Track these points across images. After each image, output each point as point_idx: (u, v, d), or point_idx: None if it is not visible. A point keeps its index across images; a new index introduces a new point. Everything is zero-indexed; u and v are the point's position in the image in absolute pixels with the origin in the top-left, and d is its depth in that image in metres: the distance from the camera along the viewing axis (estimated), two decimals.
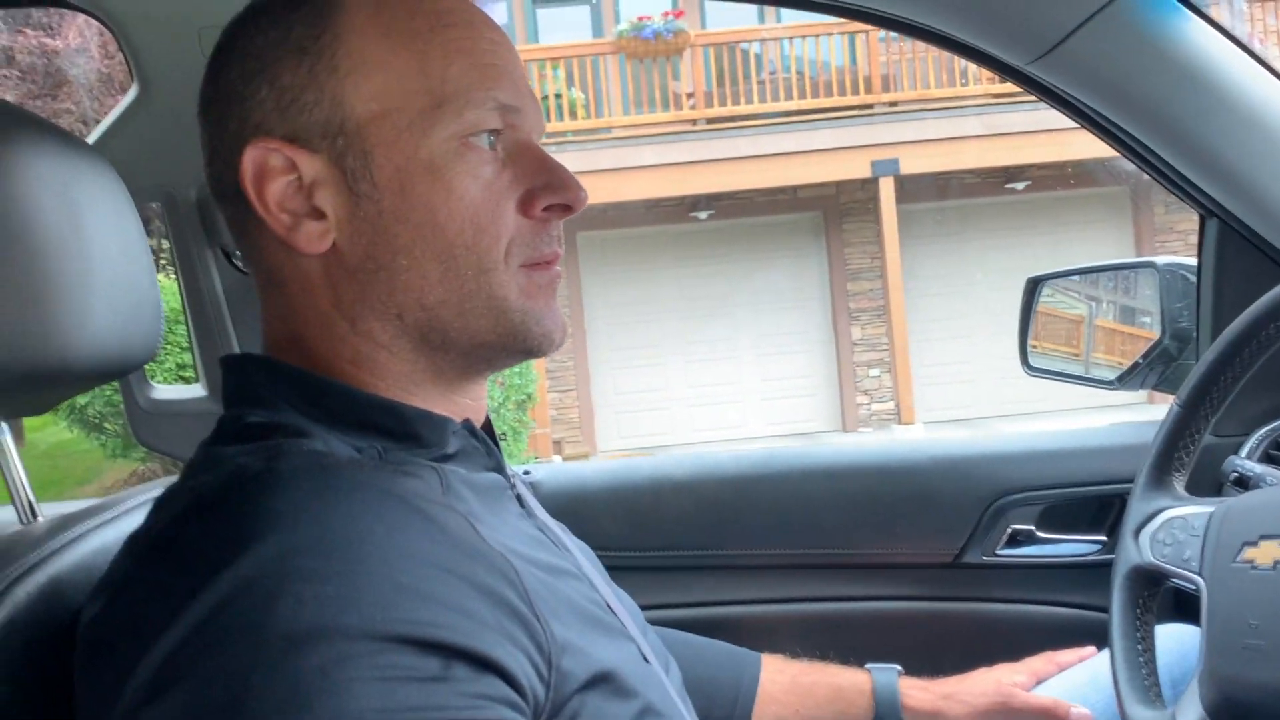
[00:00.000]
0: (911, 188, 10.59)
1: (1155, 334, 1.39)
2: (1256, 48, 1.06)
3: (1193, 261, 1.32)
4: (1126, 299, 1.48)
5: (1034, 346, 1.55)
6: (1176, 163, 1.14)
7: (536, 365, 9.60)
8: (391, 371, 0.70)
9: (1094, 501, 1.29)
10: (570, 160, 10.12)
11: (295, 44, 0.69)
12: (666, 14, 10.57)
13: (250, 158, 0.68)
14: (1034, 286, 1.54)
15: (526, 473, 1.32)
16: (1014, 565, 1.29)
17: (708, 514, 1.31)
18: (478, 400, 0.77)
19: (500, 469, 0.75)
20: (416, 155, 0.68)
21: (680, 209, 11.05)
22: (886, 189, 10.21)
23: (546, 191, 0.72)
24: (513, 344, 0.72)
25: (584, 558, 0.84)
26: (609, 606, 0.77)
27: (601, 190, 10.22)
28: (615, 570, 1.30)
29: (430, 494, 0.62)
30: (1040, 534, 1.30)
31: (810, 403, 11.57)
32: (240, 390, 0.70)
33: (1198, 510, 0.92)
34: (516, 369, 8.99)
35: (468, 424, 0.73)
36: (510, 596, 0.58)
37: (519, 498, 0.76)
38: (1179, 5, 1.03)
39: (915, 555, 1.30)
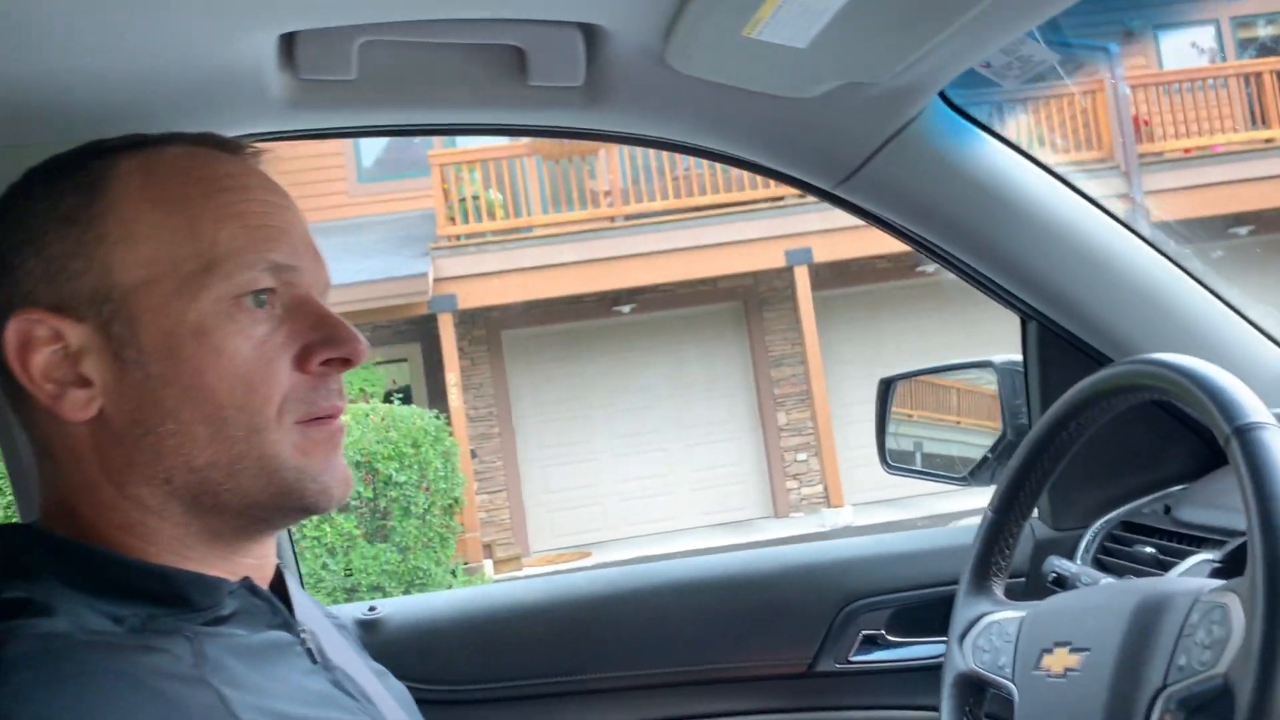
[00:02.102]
0: (825, 274, 10.85)
1: (1000, 428, 1.43)
2: (1050, 163, 1.12)
3: None
4: (971, 397, 1.53)
5: (890, 446, 1.58)
6: (989, 273, 1.19)
7: (462, 467, 9.49)
8: (163, 535, 0.70)
9: (944, 602, 1.31)
10: (491, 260, 10.23)
11: (65, 213, 0.69)
12: None
13: (14, 329, 0.68)
14: (886, 388, 1.58)
15: (371, 609, 1.29)
16: (867, 671, 1.30)
17: (563, 638, 1.29)
18: (262, 559, 0.76)
19: (287, 626, 0.74)
20: (185, 319, 0.68)
21: (603, 304, 11.16)
22: (801, 277, 10.45)
23: (323, 346, 0.73)
24: (288, 502, 0.71)
25: (393, 705, 0.83)
26: None
27: (523, 289, 10.30)
28: (471, 704, 1.28)
29: (175, 669, 0.61)
30: (890, 638, 1.30)
31: (741, 490, 11.59)
32: (4, 562, 0.69)
33: (1012, 615, 0.94)
34: (442, 472, 8.87)
35: (247, 583, 0.72)
36: None
37: (310, 652, 0.75)
38: (970, 127, 1.09)
39: (769, 666, 1.30)
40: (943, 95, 1.07)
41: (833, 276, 11.05)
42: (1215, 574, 1.02)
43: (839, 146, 1.07)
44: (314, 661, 0.74)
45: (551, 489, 11.41)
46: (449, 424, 9.51)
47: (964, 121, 1.08)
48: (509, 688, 1.28)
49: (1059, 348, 1.25)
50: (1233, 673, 0.65)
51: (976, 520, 1.48)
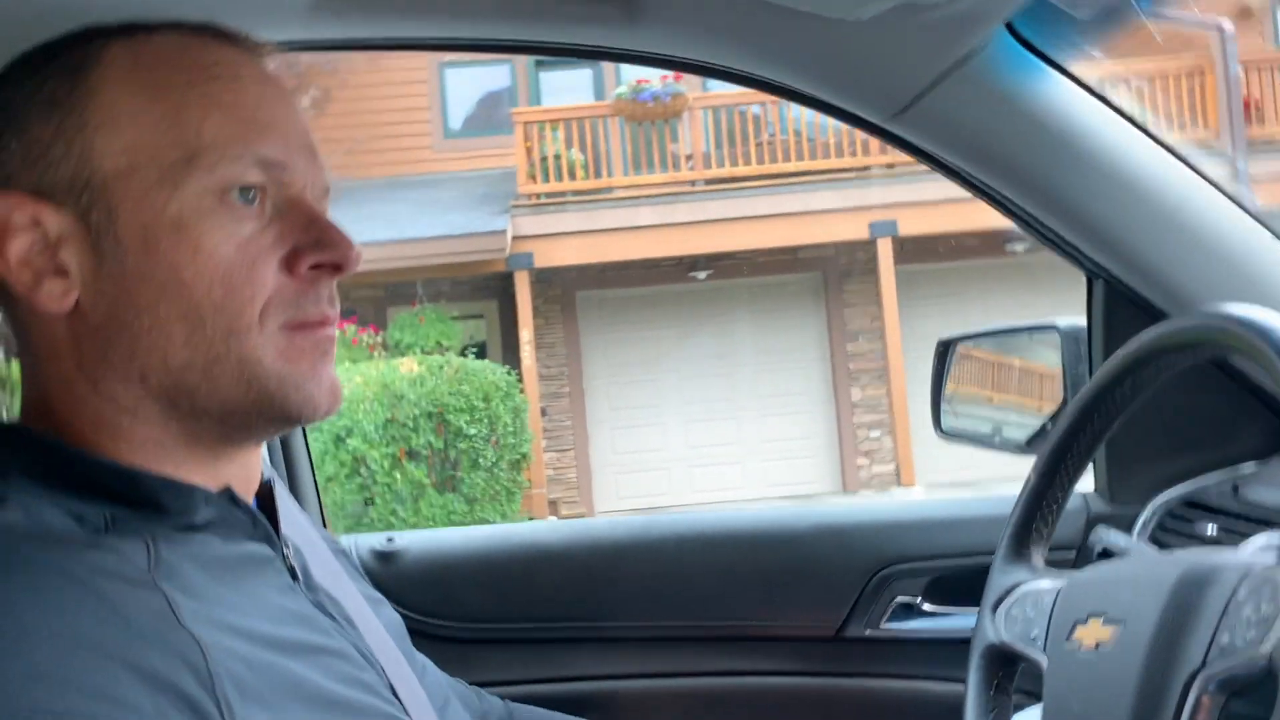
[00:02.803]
0: (910, 249, 10.60)
1: (1060, 396, 1.35)
2: (1126, 107, 1.03)
3: None
4: (1034, 361, 1.44)
5: (947, 409, 1.51)
6: (1053, 224, 1.11)
7: (532, 424, 9.56)
8: (138, 436, 0.67)
9: (982, 573, 1.24)
10: (570, 220, 10.22)
11: (48, 97, 0.67)
12: (665, 78, 10.70)
13: None
14: (945, 349, 1.50)
15: (389, 540, 1.27)
16: (899, 640, 1.23)
17: (581, 584, 1.26)
18: (247, 468, 0.73)
19: (269, 540, 0.71)
20: (164, 211, 0.65)
21: (679, 269, 11.08)
22: (885, 250, 10.23)
23: (314, 249, 0.69)
24: (269, 410, 0.68)
25: (380, 634, 0.80)
26: (392, 690, 0.72)
27: (601, 250, 10.28)
28: (482, 643, 1.26)
29: (123, 570, 0.59)
30: (926, 607, 1.24)
31: (810, 464, 11.46)
32: None
33: (1049, 585, 0.87)
34: (511, 428, 8.95)
35: (227, 492, 0.70)
36: (183, 682, 0.54)
37: (292, 570, 0.72)
38: (1038, 63, 1.00)
39: (795, 628, 1.25)
40: (1009, 27, 0.99)
41: (917, 251, 10.79)
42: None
43: (893, 77, 0.99)
44: (294, 580, 0.72)
45: (619, 451, 11.43)
46: (521, 381, 9.57)
47: (1032, 56, 1.00)
48: (522, 629, 1.25)
49: (1126, 309, 1.16)
50: (1278, 653, 0.58)
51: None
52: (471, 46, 0.99)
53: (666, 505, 11.16)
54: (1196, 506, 1.17)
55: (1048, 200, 1.08)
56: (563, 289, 11.23)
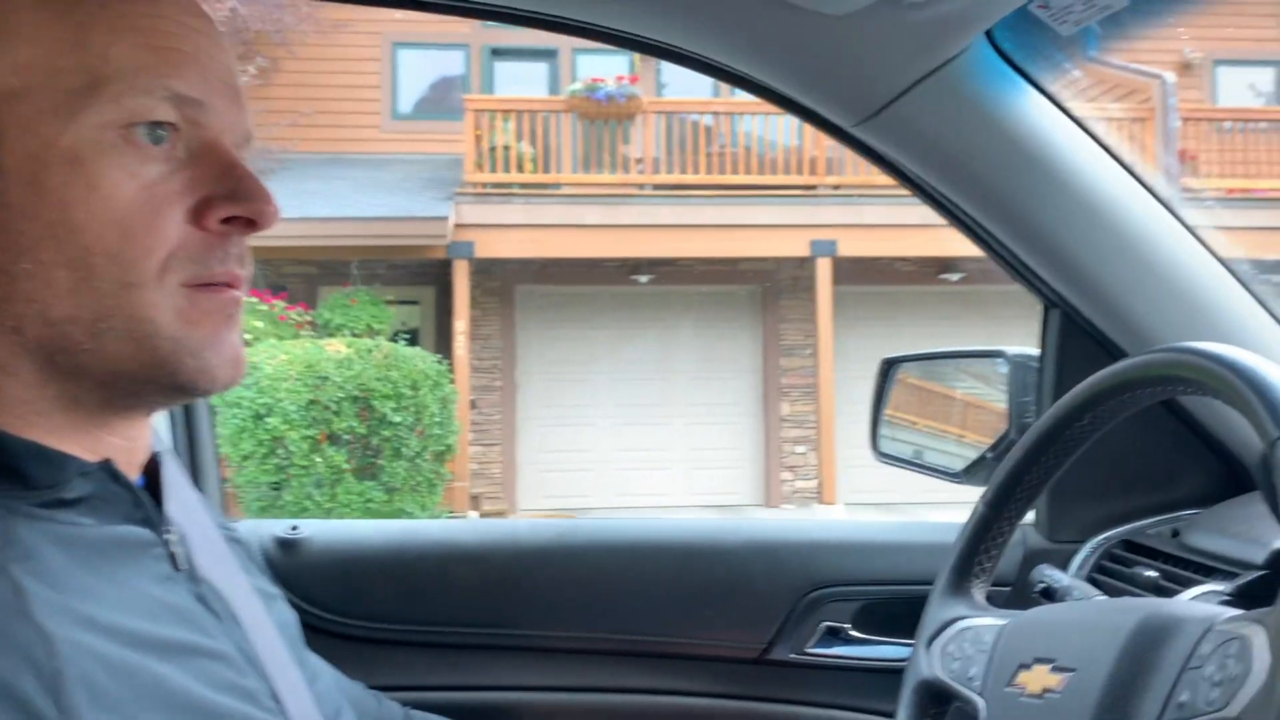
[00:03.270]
0: (848, 270, 10.69)
1: (1004, 425, 1.32)
2: (1100, 130, 1.00)
3: None
4: (978, 388, 1.41)
5: (885, 431, 1.47)
6: (1013, 245, 1.07)
7: (460, 415, 9.41)
8: (7, 396, 0.59)
9: (915, 602, 1.20)
10: (515, 213, 10.10)
11: None
12: (621, 78, 10.65)
13: None
14: (888, 368, 1.46)
15: (294, 528, 1.19)
16: (825, 666, 1.19)
17: (497, 588, 1.19)
18: (133, 440, 0.65)
19: (149, 522, 0.63)
20: (57, 142, 0.58)
21: (622, 271, 11.03)
22: (824, 269, 10.30)
23: (227, 200, 0.62)
24: (161, 376, 0.61)
25: (269, 632, 0.72)
26: (275, 697, 0.65)
27: (544, 245, 10.18)
28: (386, 644, 1.18)
29: None
30: (855, 633, 1.19)
31: (735, 475, 11.49)
32: None
33: (990, 623, 0.83)
34: (438, 418, 8.79)
35: (107, 466, 0.62)
36: (20, 682, 0.47)
37: (173, 556, 0.64)
38: (1015, 76, 0.97)
39: (719, 647, 1.19)
40: (989, 36, 0.95)
41: (855, 272, 10.89)
42: (1225, 606, 0.91)
43: (866, 79, 0.94)
44: (176, 569, 0.64)
45: (547, 449, 11.34)
46: (452, 371, 9.42)
47: (1009, 69, 0.96)
48: (431, 633, 1.17)
49: (1082, 341, 1.13)
50: (1247, 717, 0.54)
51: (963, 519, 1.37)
52: (435, 5, 0.92)
53: (590, 508, 11.09)
54: (1135, 549, 1.14)
55: (1011, 221, 1.05)
56: (502, 281, 11.10)
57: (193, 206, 0.61)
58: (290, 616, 0.80)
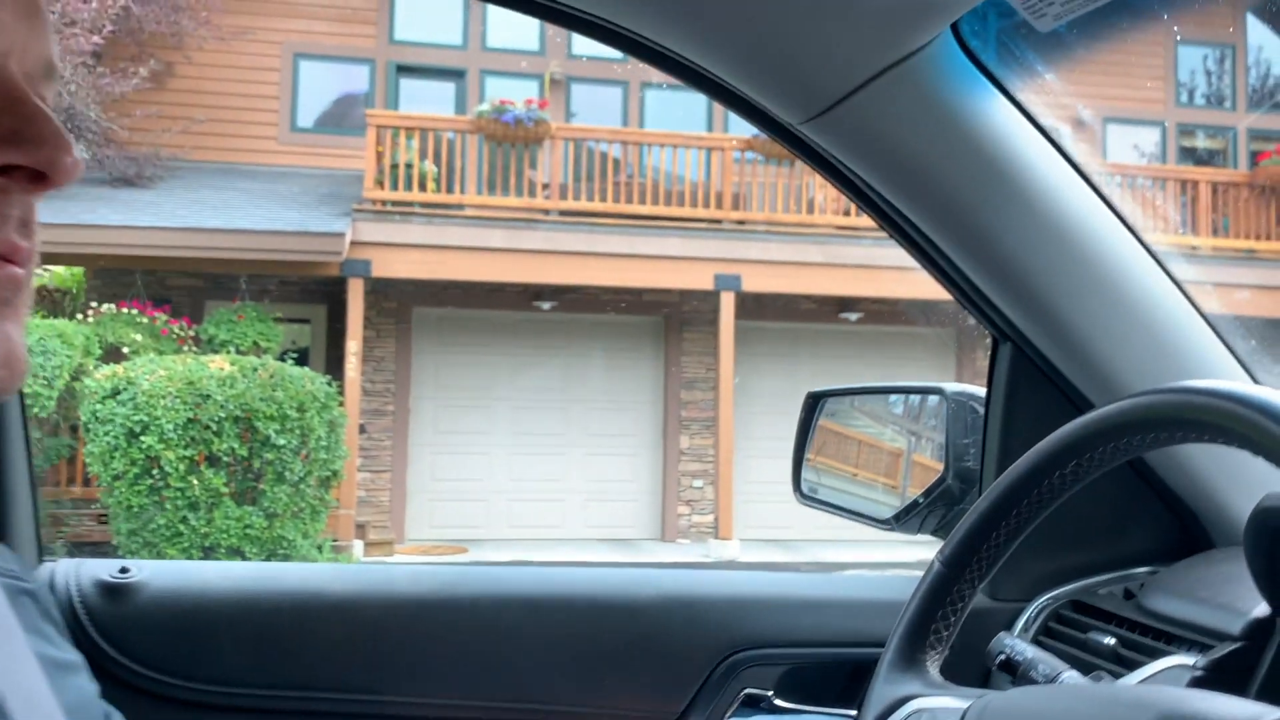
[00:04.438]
0: (751, 305, 10.72)
1: (939, 469, 1.21)
2: (1068, 145, 0.90)
3: (984, 391, 1.14)
4: (912, 426, 1.30)
5: (808, 471, 1.35)
6: (966, 268, 0.96)
7: (348, 440, 9.05)
8: None
9: (847, 666, 1.07)
10: (415, 232, 9.84)
11: None
12: (530, 101, 10.52)
13: None
14: (814, 402, 1.34)
15: (123, 571, 0.99)
16: None
17: (368, 645, 1.01)
18: None
19: None
20: None
21: (523, 297, 10.85)
22: (727, 303, 10.30)
23: (3, 144, 0.45)
24: None
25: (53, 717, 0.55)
26: None
27: (444, 267, 9.93)
28: (229, 711, 1.00)
29: None
30: (779, 701, 1.05)
31: (632, 508, 11.35)
32: None
33: (949, 705, 0.70)
34: (325, 442, 8.43)
35: None
36: None
37: None
38: (981, 77, 0.86)
39: (628, 715, 1.04)
40: (955, 30, 0.83)
41: (757, 308, 10.93)
42: (1197, 683, 0.80)
43: (821, 72, 0.82)
44: None
45: (438, 477, 11.02)
46: (341, 393, 9.08)
47: (974, 68, 0.85)
48: (284, 699, 0.98)
49: (1034, 379, 1.03)
50: None
51: (886, 573, 1.25)
52: None
53: (482, 539, 10.80)
54: (1084, 609, 1.04)
55: (965, 239, 0.93)
56: (399, 302, 10.80)
57: None
58: (88, 693, 0.62)
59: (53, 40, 0.52)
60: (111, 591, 0.97)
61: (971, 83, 0.85)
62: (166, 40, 11.26)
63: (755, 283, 10.32)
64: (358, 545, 9.65)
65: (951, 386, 1.19)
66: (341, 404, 8.97)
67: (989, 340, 1.08)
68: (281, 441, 8.15)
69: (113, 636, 0.93)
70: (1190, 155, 13.34)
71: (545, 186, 10.61)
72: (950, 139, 0.86)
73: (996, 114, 0.87)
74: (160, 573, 1.00)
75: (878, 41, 0.80)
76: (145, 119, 10.95)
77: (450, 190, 10.35)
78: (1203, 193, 11.25)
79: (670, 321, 11.35)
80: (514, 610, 1.04)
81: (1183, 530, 1.05)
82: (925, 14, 0.78)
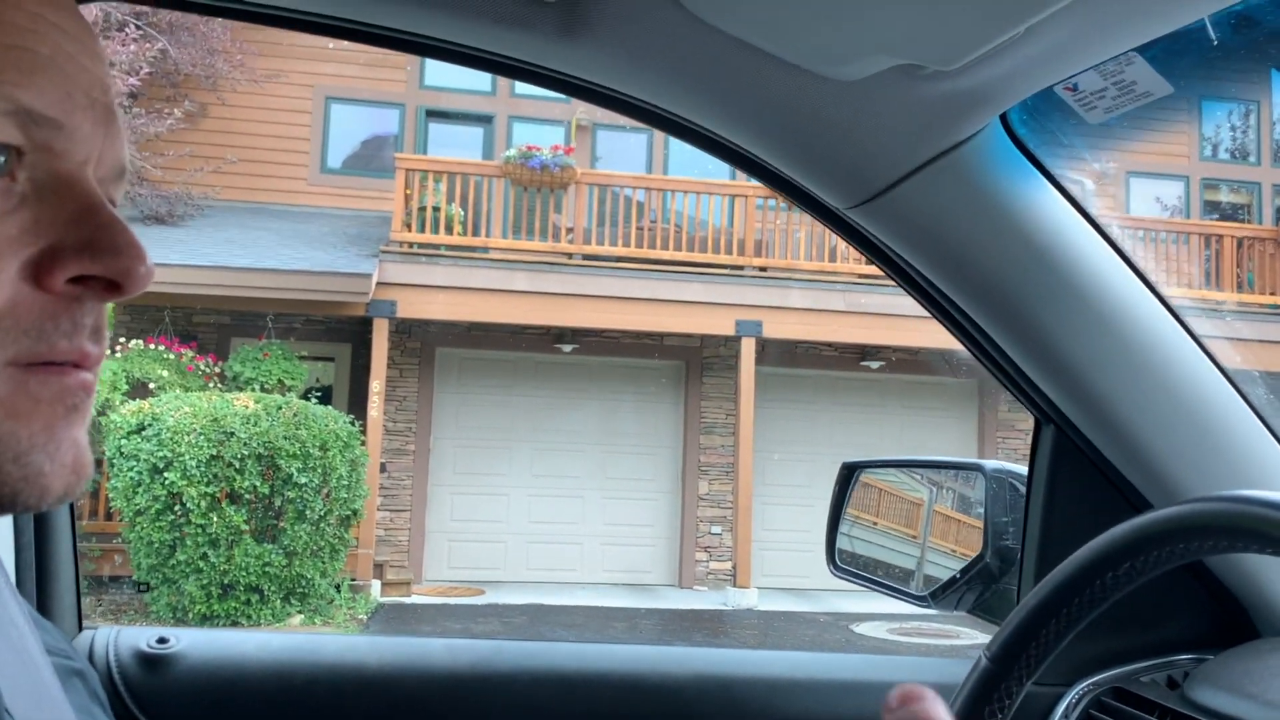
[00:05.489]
0: (772, 351, 10.72)
1: (978, 548, 1.20)
2: (1115, 233, 0.90)
3: (1025, 469, 1.14)
4: (950, 503, 1.29)
5: (843, 542, 1.34)
6: (1012, 352, 0.96)
7: (369, 479, 9.08)
8: None
9: None
10: (440, 274, 9.91)
11: None
12: (557, 148, 10.64)
13: None
14: (849, 474, 1.34)
15: (161, 641, 1.00)
16: None
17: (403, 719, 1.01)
18: None
19: None
20: None
21: (545, 339, 10.90)
22: (748, 349, 10.30)
23: (81, 254, 0.46)
24: None
25: None
26: None
27: (468, 309, 10.00)
28: None
29: None
30: None
31: (650, 553, 11.29)
32: None
33: None
34: (346, 481, 8.45)
35: None
36: None
37: None
38: (1030, 167, 0.86)
39: None
40: (1004, 119, 0.84)
41: (778, 355, 10.93)
42: None
43: (868, 160, 0.83)
44: None
45: (457, 518, 11.01)
46: (364, 433, 9.11)
47: (1023, 158, 0.86)
48: None
49: (1078, 463, 1.02)
50: None
51: (899, 637, 1.24)
52: (366, 34, 0.78)
53: (499, 580, 10.75)
54: (1125, 697, 1.02)
55: (1011, 324, 0.94)
56: (423, 343, 10.86)
57: (33, 259, 0.46)
58: None
59: (126, 144, 0.53)
60: (149, 662, 0.97)
61: (1019, 171, 0.86)
62: (201, 82, 11.48)
63: (776, 329, 10.33)
64: (375, 585, 9.64)
65: (991, 464, 1.19)
66: (363, 443, 9.00)
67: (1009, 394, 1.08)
68: (303, 480, 8.18)
69: (150, 708, 0.93)
70: (1214, 209, 13.31)
71: (569, 231, 10.69)
72: (997, 227, 0.86)
73: (1044, 202, 0.87)
74: (198, 643, 1.00)
75: (926, 131, 0.81)
76: (178, 158, 11.15)
77: (476, 233, 10.45)
78: (1227, 247, 11.21)
79: (691, 366, 11.36)
80: (549, 687, 1.03)
81: (1228, 617, 1.03)
82: (974, 106, 0.79)
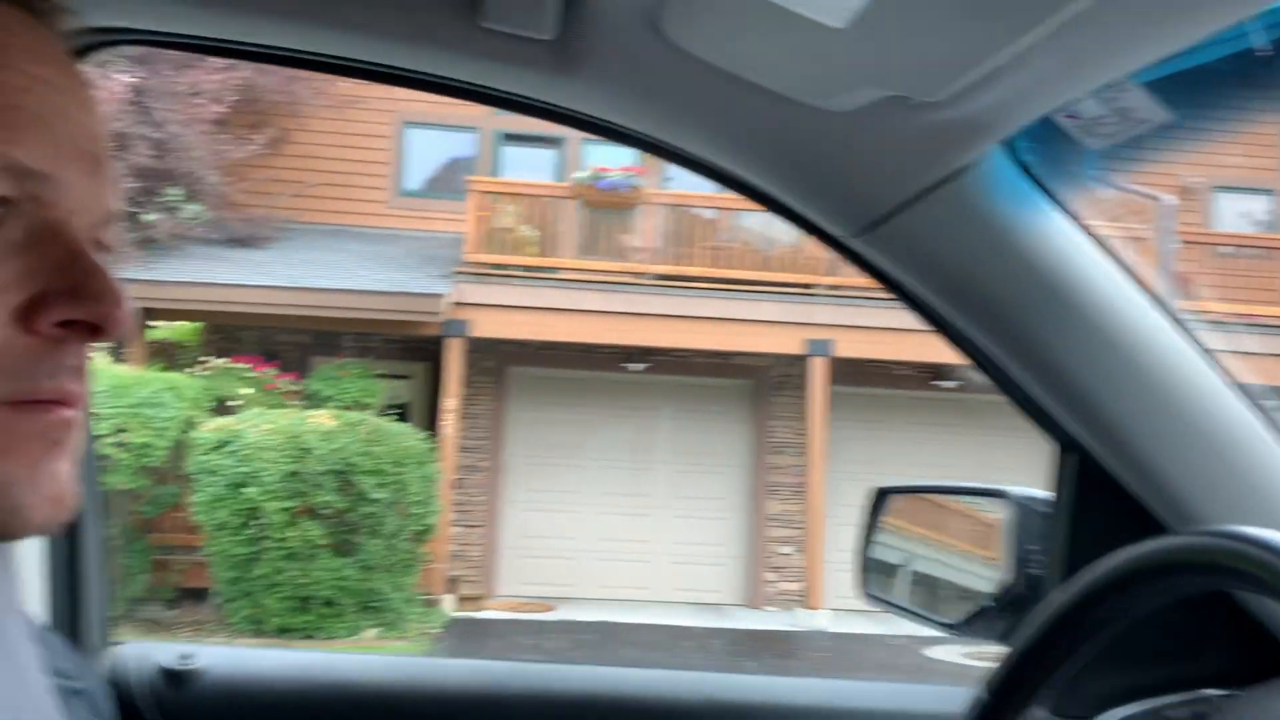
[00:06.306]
0: (842, 370, 10.61)
1: (1008, 575, 1.18)
2: (1126, 256, 0.89)
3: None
4: (980, 529, 1.27)
5: (873, 568, 1.33)
6: (1026, 380, 0.95)
7: (442, 495, 9.21)
8: None
9: None
10: (512, 294, 10.05)
11: None
12: (627, 169, 10.72)
13: None
14: (879, 499, 1.33)
15: (184, 657, 1.03)
16: None
17: None
18: None
19: None
20: None
21: (615, 358, 10.96)
22: (818, 368, 10.22)
23: (65, 299, 0.50)
24: None
25: None
26: None
27: (539, 328, 10.12)
28: None
29: None
30: None
31: (719, 572, 11.24)
32: None
33: None
34: (420, 497, 8.59)
35: None
36: None
37: None
38: (1034, 193, 0.86)
39: None
40: (1008, 145, 0.84)
41: (850, 373, 10.81)
42: None
43: (868, 185, 0.83)
44: None
45: (529, 534, 11.10)
46: (438, 450, 9.26)
47: (1028, 183, 0.85)
48: None
49: (1101, 490, 1.00)
50: None
51: (974, 662, 1.22)
52: (373, 72, 0.82)
53: (569, 597, 10.81)
54: None
55: (1023, 350, 0.93)
56: (496, 361, 11.01)
57: (21, 304, 0.49)
58: None
59: (113, 190, 0.56)
60: (174, 678, 1.01)
61: (1025, 197, 0.85)
62: (284, 109, 11.85)
63: (848, 348, 10.23)
64: (448, 599, 9.76)
65: (1015, 490, 1.17)
66: (437, 460, 9.15)
67: None
68: (379, 496, 8.33)
69: None
70: None
71: (639, 250, 10.76)
72: (1004, 254, 0.86)
73: (1049, 226, 0.86)
74: (221, 660, 1.04)
75: (923, 160, 0.81)
76: (262, 183, 11.51)
77: (547, 254, 10.57)
78: None
79: (760, 386, 11.30)
80: (562, 709, 1.04)
81: (1258, 652, 1.00)
82: (970, 135, 0.79)
